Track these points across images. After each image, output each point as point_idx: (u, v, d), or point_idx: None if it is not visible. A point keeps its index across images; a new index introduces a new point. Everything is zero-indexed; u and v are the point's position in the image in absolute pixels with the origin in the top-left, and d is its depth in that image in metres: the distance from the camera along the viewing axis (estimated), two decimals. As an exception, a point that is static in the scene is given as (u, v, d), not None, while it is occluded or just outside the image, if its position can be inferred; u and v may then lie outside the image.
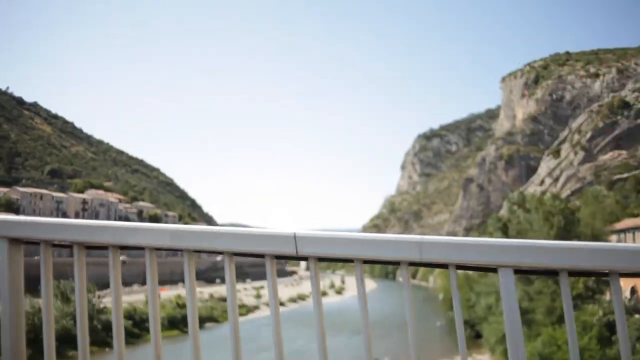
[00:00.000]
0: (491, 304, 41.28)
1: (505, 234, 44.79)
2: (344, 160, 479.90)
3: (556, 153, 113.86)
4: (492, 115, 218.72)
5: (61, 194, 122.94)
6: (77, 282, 1.68)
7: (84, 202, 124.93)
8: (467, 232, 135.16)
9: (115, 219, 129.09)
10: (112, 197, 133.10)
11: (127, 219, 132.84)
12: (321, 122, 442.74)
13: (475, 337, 44.38)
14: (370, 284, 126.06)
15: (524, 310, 34.98)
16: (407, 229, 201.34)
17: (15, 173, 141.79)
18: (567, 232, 37.43)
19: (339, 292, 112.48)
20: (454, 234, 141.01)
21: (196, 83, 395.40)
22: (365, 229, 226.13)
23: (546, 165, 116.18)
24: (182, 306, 59.62)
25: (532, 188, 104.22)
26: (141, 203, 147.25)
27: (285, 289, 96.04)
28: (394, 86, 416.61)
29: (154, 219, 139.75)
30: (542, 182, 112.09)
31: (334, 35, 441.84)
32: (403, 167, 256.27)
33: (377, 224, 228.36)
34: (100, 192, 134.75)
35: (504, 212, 72.74)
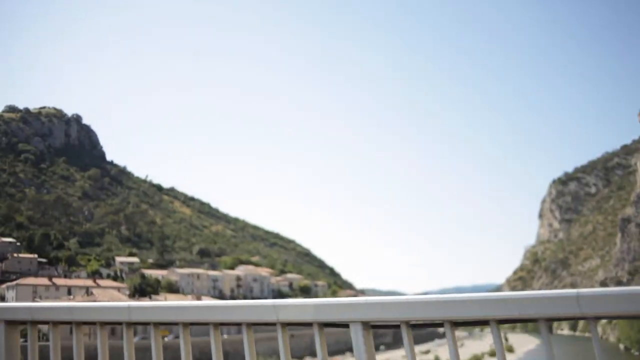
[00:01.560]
0: None
1: None
2: (473, 215, 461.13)
3: None
4: (629, 151, 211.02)
5: (216, 272, 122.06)
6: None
7: (238, 278, 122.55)
8: (632, 276, 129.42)
9: (268, 293, 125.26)
10: (264, 272, 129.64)
11: (279, 292, 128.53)
12: (445, 179, 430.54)
13: None
14: (524, 340, 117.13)
15: None
16: (555, 279, 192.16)
17: (168, 255, 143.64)
18: None
19: (510, 350, 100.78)
20: (617, 280, 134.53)
21: (312, 155, 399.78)
22: (509, 282, 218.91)
23: None
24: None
25: None
26: (289, 275, 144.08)
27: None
28: (521, 133, 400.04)
29: (305, 289, 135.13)
30: None
31: (460, 82, 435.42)
32: (541, 215, 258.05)
33: (522, 277, 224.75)
34: (251, 267, 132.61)
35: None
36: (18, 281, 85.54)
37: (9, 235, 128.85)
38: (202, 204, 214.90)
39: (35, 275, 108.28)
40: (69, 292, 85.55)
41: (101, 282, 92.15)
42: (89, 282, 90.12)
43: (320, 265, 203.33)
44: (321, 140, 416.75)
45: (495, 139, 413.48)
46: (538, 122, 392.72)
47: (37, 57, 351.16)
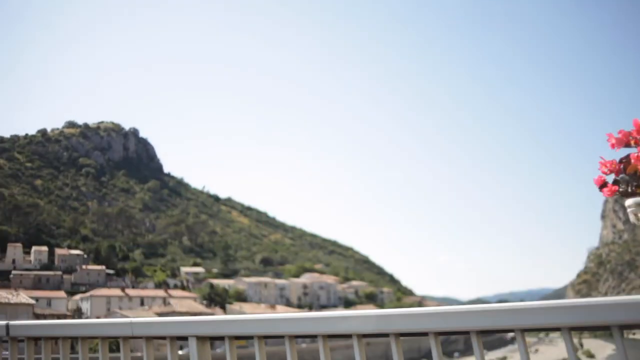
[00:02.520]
0: None
1: None
2: (527, 219, 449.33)
3: None
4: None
5: (283, 281, 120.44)
6: None
7: (304, 286, 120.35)
8: None
9: (334, 301, 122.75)
10: (329, 279, 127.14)
11: (346, 300, 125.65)
12: (499, 182, 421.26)
13: None
14: (600, 345, 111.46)
15: None
16: (623, 281, 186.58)
17: (231, 265, 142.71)
18: None
19: (590, 355, 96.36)
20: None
21: (370, 162, 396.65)
22: (574, 286, 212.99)
23: None
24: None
25: None
26: (354, 282, 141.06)
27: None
28: (580, 131, 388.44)
29: (371, 297, 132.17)
30: None
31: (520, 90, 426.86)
32: (603, 217, 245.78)
33: (587, 280, 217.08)
34: (316, 275, 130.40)
35: None
36: (92, 292, 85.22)
37: (76, 248, 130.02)
38: (259, 213, 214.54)
39: (104, 286, 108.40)
40: (142, 302, 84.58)
41: (172, 292, 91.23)
42: (161, 293, 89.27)
43: (380, 272, 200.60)
44: (366, 147, 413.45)
45: (553, 136, 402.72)
46: (600, 119, 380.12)
47: (92, 72, 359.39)
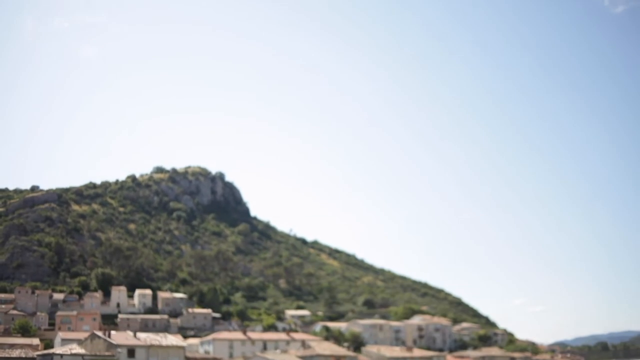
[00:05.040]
0: None
1: None
2: (607, 258, 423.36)
3: None
4: None
5: (397, 323, 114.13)
6: None
7: (419, 328, 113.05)
8: None
9: (450, 343, 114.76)
10: (443, 321, 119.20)
11: (461, 342, 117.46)
12: (569, 219, 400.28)
13: None
14: None
15: None
16: None
17: (336, 307, 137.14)
18: None
19: None
20: None
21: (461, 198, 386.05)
22: None
23: None
24: None
25: None
26: (464, 324, 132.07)
27: None
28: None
29: (484, 338, 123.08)
30: None
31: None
32: None
33: None
34: (427, 317, 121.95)
35: None
36: (214, 335, 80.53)
37: (176, 291, 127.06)
38: (348, 255, 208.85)
39: (211, 330, 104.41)
40: (265, 346, 79.18)
41: (294, 335, 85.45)
42: (283, 336, 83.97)
43: (475, 314, 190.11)
44: (436, 190, 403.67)
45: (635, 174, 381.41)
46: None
47: (176, 116, 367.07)
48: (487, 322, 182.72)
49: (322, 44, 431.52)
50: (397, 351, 78.85)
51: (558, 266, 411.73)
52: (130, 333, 52.05)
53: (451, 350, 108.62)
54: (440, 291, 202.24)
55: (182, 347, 51.90)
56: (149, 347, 47.79)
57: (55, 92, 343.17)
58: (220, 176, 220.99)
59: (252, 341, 79.36)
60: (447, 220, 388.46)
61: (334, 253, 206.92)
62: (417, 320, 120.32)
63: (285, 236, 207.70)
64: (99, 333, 49.08)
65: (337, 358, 63.58)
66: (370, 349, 79.13)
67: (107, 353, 45.54)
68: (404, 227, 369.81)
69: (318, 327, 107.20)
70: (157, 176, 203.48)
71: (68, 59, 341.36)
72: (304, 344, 71.18)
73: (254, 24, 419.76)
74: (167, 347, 49.10)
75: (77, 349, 46.04)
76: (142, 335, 51.14)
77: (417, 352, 79.99)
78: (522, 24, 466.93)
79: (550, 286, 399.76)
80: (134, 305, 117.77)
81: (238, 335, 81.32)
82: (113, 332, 51.19)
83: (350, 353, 72.61)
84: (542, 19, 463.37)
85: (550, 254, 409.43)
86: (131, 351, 47.15)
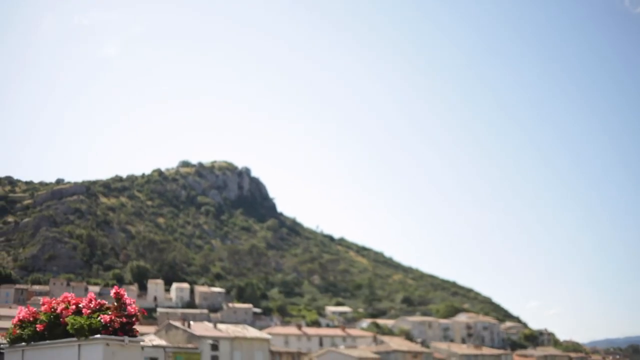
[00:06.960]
0: None
1: None
2: (625, 259, 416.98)
3: None
4: None
5: (445, 320, 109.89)
6: None
7: (468, 326, 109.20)
8: None
9: (498, 341, 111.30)
10: (491, 319, 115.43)
11: (510, 341, 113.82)
12: (581, 222, 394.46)
13: None
14: None
15: None
16: None
17: (377, 304, 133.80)
18: None
19: None
20: None
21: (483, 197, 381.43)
22: None
23: None
24: None
25: None
26: (508, 323, 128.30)
27: None
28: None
29: (531, 338, 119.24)
30: None
31: None
32: None
33: None
34: (472, 314, 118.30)
35: None
36: (269, 330, 77.02)
37: (212, 285, 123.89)
38: (376, 253, 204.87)
39: (252, 324, 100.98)
40: (321, 342, 75.71)
41: (350, 331, 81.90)
42: (338, 332, 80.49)
43: (506, 314, 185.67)
44: (467, 187, 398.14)
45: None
46: None
47: (203, 110, 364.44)
48: (518, 322, 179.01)
49: (348, 51, 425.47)
50: (466, 349, 75.36)
51: (573, 269, 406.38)
52: (210, 324, 48.57)
53: (502, 349, 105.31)
54: (469, 290, 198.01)
55: (267, 340, 48.35)
56: (233, 340, 44.29)
57: (76, 88, 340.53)
58: (247, 171, 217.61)
59: (308, 337, 75.97)
60: (471, 220, 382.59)
61: (362, 250, 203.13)
62: (463, 318, 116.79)
63: (313, 233, 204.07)
64: (177, 323, 45.64)
65: (414, 354, 60.06)
66: (440, 345, 75.66)
67: (189, 345, 42.07)
68: (428, 225, 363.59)
69: (364, 323, 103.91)
70: (183, 170, 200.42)
71: (90, 55, 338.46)
72: (375, 339, 67.54)
73: (285, 25, 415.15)
74: (252, 339, 45.62)
75: (157, 340, 42.63)
76: (221, 326, 47.65)
77: (486, 350, 76.51)
78: (541, 27, 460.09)
79: (566, 289, 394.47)
80: (170, 299, 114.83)
81: (293, 330, 77.99)
82: (192, 323, 47.76)
83: (425, 349, 69.04)
84: (562, 20, 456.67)
85: (567, 257, 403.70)
86: (214, 345, 43.64)
